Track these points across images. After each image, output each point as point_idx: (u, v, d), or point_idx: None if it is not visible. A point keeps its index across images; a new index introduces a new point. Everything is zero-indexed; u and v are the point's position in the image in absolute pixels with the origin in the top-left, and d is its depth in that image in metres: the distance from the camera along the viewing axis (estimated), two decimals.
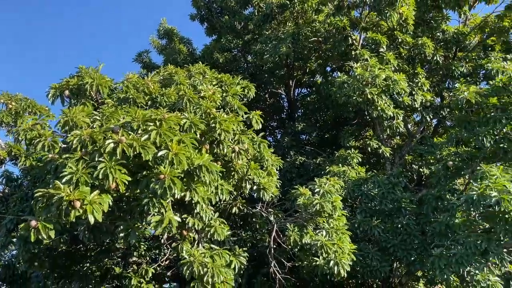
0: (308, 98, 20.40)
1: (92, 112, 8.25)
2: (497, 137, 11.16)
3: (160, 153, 6.66)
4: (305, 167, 16.50)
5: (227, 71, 17.46)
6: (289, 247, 10.55)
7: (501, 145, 10.99)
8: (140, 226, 7.02)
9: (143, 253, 11.86)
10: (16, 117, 9.32)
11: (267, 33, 16.08)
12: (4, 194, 10.69)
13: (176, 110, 9.16)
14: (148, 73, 18.59)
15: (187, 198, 7.26)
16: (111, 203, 6.43)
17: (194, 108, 8.95)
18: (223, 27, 18.27)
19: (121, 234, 6.96)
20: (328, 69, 18.87)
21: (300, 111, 20.61)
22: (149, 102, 9.52)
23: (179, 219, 7.09)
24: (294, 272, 12.47)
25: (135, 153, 6.52)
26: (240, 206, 11.70)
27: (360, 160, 14.36)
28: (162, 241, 9.08)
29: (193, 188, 7.24)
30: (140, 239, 11.34)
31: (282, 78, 19.21)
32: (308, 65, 18.67)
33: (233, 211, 11.56)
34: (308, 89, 21.03)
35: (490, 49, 16.19)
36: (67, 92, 9.13)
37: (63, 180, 6.12)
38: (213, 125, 8.57)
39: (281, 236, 11.15)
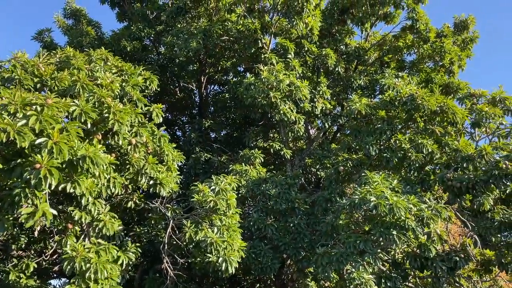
0: (220, 96, 20.51)
1: None
2: (382, 147, 12.23)
3: (38, 141, 6.22)
4: (210, 164, 16.58)
5: (136, 60, 16.89)
6: (185, 243, 10.53)
7: (385, 154, 12.03)
8: (10, 218, 6.49)
9: (23, 246, 10.99)
10: None
11: (179, 26, 15.84)
12: None
13: (68, 97, 8.66)
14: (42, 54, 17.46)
15: (68, 190, 6.89)
16: None
17: (88, 95, 8.51)
18: (134, 14, 17.61)
19: None
20: (241, 69, 19.17)
21: (211, 108, 20.63)
22: (38, 85, 8.85)
23: (55, 212, 6.69)
24: (190, 268, 12.48)
25: (9, 139, 6.02)
26: (137, 201, 11.40)
27: (262, 160, 14.79)
28: (36, 234, 8.50)
29: (75, 180, 6.88)
30: (21, 231, 10.52)
31: (194, 73, 19.06)
32: (221, 63, 18.76)
33: (129, 205, 11.23)
34: (221, 87, 21.16)
35: (386, 65, 17.67)
36: None
37: None
38: (106, 115, 8.23)
39: (177, 232, 11.10)
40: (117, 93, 9.46)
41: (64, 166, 6.64)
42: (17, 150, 6.34)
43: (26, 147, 6.19)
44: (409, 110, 12.09)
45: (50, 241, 11.68)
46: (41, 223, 7.21)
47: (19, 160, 6.34)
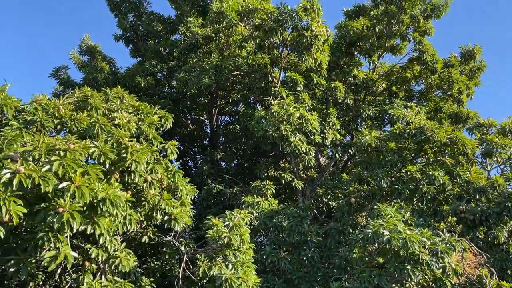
0: (230, 127, 20.85)
1: None
2: (393, 179, 12.30)
3: (61, 185, 6.46)
4: (222, 195, 16.75)
5: (149, 95, 17.35)
6: (198, 278, 10.58)
7: (396, 186, 12.09)
8: (33, 261, 6.69)
9: (40, 283, 11.12)
10: None
11: (191, 62, 16.33)
12: None
13: (87, 137, 8.97)
14: (65, 90, 18.04)
15: (88, 231, 7.07)
16: (2, 236, 6.08)
17: (106, 136, 8.81)
18: (148, 51, 18.22)
19: (11, 270, 6.57)
20: (251, 100, 19.54)
21: (222, 138, 20.96)
22: (59, 127, 9.19)
23: (76, 255, 6.87)
24: None
25: (34, 183, 6.27)
26: (151, 235, 11.55)
27: (274, 191, 14.90)
28: (56, 276, 8.65)
29: (95, 222, 7.08)
30: (38, 269, 10.68)
31: (205, 106, 19.48)
32: (232, 95, 19.19)
33: (144, 240, 11.37)
34: (231, 118, 21.53)
35: (394, 95, 17.90)
36: None
37: None
38: (124, 155, 8.50)
39: (191, 266, 11.17)
40: (133, 132, 9.76)
41: (85, 208, 6.85)
42: (41, 194, 6.57)
43: (50, 191, 6.43)
44: (419, 142, 12.23)
45: (65, 275, 11.81)
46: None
47: (42, 204, 6.57)
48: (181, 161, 20.72)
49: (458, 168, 12.28)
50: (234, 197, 16.22)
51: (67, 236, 6.80)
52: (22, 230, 7.38)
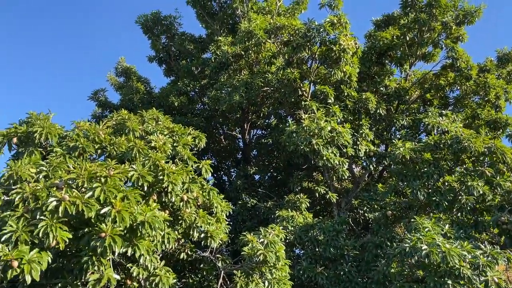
0: (263, 140, 21.05)
1: (38, 162, 8.31)
2: (429, 190, 12.05)
3: (103, 211, 6.81)
4: (257, 209, 16.89)
5: (183, 113, 17.85)
6: None
7: (434, 198, 11.83)
8: (79, 283, 7.05)
9: None
10: None
11: (222, 79, 16.69)
12: None
13: (125, 160, 9.37)
14: (103, 111, 18.84)
15: (129, 254, 7.38)
16: (50, 261, 6.47)
17: (144, 159, 9.18)
18: (181, 70, 18.78)
19: None
20: (282, 112, 19.68)
21: (254, 152, 21.17)
22: (99, 151, 9.65)
23: (118, 277, 7.18)
24: None
25: (78, 210, 6.64)
26: (189, 252, 11.81)
27: (308, 205, 14.87)
28: None
29: (135, 244, 7.38)
30: None
31: (237, 121, 19.78)
32: (263, 109, 19.41)
33: (181, 256, 11.65)
34: (263, 131, 21.73)
35: (429, 103, 17.54)
36: (15, 139, 9.13)
37: (3, 239, 6.16)
38: (161, 177, 8.82)
39: (228, 282, 11.33)
40: (169, 154, 10.12)
41: (125, 232, 7.17)
42: (84, 219, 6.94)
43: (93, 217, 6.78)
44: (455, 152, 11.94)
45: None
46: None
47: (86, 229, 6.94)
48: (215, 175, 21.08)
49: (498, 178, 11.87)
50: (268, 211, 16.32)
51: (109, 259, 7.13)
52: (68, 250, 7.78)
